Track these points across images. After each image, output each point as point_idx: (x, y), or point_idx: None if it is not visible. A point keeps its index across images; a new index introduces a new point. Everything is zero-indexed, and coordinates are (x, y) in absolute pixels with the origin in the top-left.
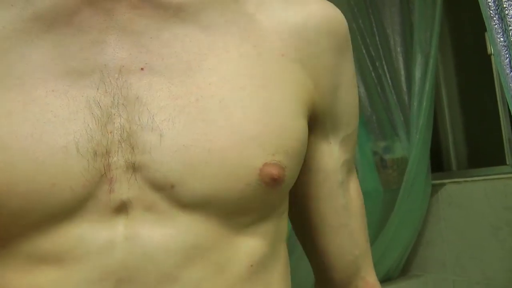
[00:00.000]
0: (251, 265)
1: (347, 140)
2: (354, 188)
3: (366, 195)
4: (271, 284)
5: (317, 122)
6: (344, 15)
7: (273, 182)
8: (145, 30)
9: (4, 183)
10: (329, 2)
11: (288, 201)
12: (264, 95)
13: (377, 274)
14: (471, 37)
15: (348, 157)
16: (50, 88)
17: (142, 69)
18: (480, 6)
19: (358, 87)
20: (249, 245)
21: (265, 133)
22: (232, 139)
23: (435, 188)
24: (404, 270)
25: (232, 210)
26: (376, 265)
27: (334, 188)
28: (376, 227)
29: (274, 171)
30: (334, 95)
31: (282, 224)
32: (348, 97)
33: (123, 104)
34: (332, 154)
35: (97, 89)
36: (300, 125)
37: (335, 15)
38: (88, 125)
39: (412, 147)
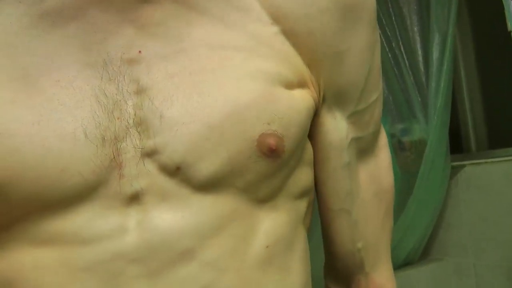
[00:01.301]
0: (267, 247)
1: (359, 116)
2: (366, 173)
3: None
4: (288, 267)
5: (318, 95)
6: None
7: (271, 153)
8: (141, 15)
9: (13, 169)
10: None
11: (308, 183)
12: (251, 64)
13: (397, 259)
14: (490, 14)
15: (361, 135)
16: (55, 78)
17: (139, 52)
18: None
19: None
20: (265, 226)
21: (257, 102)
22: (227, 111)
23: (454, 170)
24: (424, 254)
25: (240, 186)
26: (395, 249)
27: (337, 169)
28: (395, 211)
29: (271, 141)
30: (337, 62)
31: (301, 206)
32: (358, 66)
33: (127, 90)
34: (337, 131)
35: (101, 78)
36: (293, 94)
37: None
38: (95, 112)
39: (431, 129)
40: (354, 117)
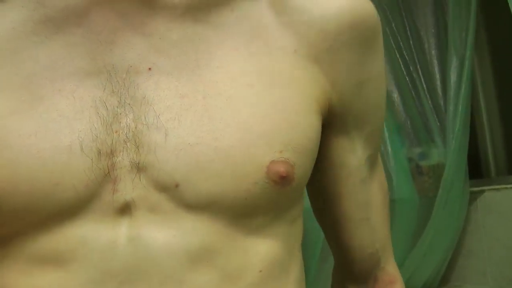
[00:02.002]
0: (260, 271)
1: (372, 135)
2: (376, 182)
3: (401, 202)
4: None
5: (336, 119)
6: None
7: (281, 180)
8: (154, 31)
9: (7, 181)
10: None
11: (301, 207)
12: (273, 92)
13: (415, 285)
14: (508, 37)
15: (372, 152)
16: (57, 87)
17: (149, 69)
18: (509, 5)
19: (392, 92)
20: (259, 250)
21: (272, 131)
22: (238, 137)
23: (474, 196)
24: (443, 280)
25: (240, 211)
26: (413, 275)
27: (356, 184)
28: (413, 236)
29: (281, 168)
30: (357, 91)
31: (295, 228)
32: (375, 93)
33: (129, 104)
34: (355, 151)
35: (104, 89)
36: (310, 123)
37: (361, 6)
38: (93, 124)
39: (449, 153)
40: (369, 136)
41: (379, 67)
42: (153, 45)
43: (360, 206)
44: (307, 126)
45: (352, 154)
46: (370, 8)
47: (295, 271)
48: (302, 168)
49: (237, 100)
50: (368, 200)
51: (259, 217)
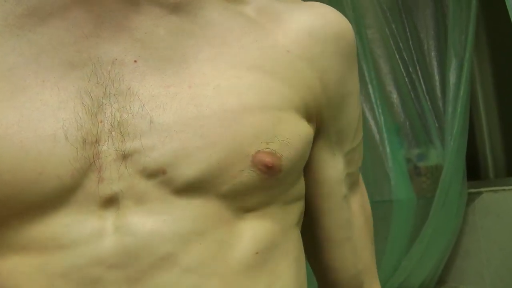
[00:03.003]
0: (256, 253)
1: (352, 154)
2: (357, 201)
3: (399, 203)
4: (280, 272)
5: (321, 130)
6: (377, 20)
7: (268, 170)
8: (140, 25)
9: None
10: (334, 9)
11: (300, 190)
12: (263, 86)
13: (411, 286)
14: (508, 39)
15: (353, 171)
16: (41, 78)
17: (135, 61)
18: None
19: (391, 93)
20: (254, 232)
21: (260, 123)
22: (224, 124)
23: (471, 197)
24: (440, 281)
25: (229, 194)
26: (410, 276)
27: (338, 201)
28: (410, 237)
29: (267, 158)
30: (341, 104)
31: (292, 210)
32: (354, 110)
33: (114, 94)
34: (336, 167)
35: (89, 80)
36: (300, 122)
37: (343, 21)
38: (78, 114)
39: (447, 154)
40: (349, 155)
41: (356, 86)
42: (139, 39)
43: (342, 225)
44: (295, 124)
45: (334, 170)
46: (351, 27)
47: (293, 253)
48: (290, 160)
49: (224, 89)
50: (349, 218)
51: (249, 201)
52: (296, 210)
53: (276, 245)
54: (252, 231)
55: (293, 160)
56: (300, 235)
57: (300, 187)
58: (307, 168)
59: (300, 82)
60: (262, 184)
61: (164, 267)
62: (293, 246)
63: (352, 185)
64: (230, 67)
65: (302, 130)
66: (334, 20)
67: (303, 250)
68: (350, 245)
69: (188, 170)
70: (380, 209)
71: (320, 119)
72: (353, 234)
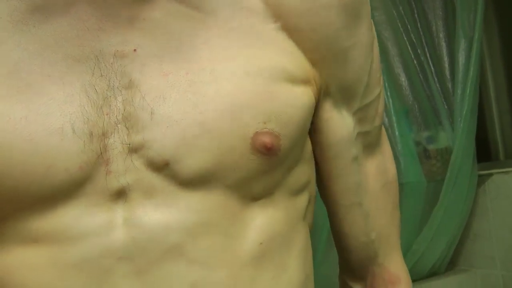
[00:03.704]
0: (260, 243)
1: (364, 111)
2: (374, 165)
3: (409, 186)
4: (284, 263)
5: (325, 89)
6: (383, 2)
7: (267, 151)
8: (138, 13)
9: None
10: None
11: (307, 178)
12: (254, 64)
13: (422, 269)
14: None
15: (367, 129)
16: (46, 73)
17: (134, 50)
18: None
19: (399, 75)
20: (258, 222)
21: (255, 102)
22: (222, 109)
23: (482, 179)
24: (450, 264)
25: (232, 183)
26: (420, 259)
27: (347, 164)
28: (420, 220)
29: (266, 139)
30: (342, 59)
31: (299, 201)
32: (363, 62)
33: (118, 87)
34: (345, 126)
35: (93, 74)
36: (293, 92)
37: None
38: (84, 107)
39: (457, 137)
40: (360, 112)
41: (366, 36)
42: (138, 27)
43: (351, 189)
44: (290, 95)
45: (341, 130)
46: None
47: (299, 245)
48: (288, 138)
49: (219, 73)
50: (359, 182)
51: (253, 187)
52: (301, 202)
53: (280, 235)
54: (257, 221)
55: (292, 137)
56: (308, 230)
57: (304, 174)
58: (315, 130)
59: (290, 51)
60: (263, 167)
61: (171, 258)
62: (299, 238)
63: (367, 146)
64: (223, 49)
65: (300, 99)
66: None
67: (310, 244)
68: (360, 211)
69: (191, 161)
70: None
71: (319, 78)
72: (364, 200)
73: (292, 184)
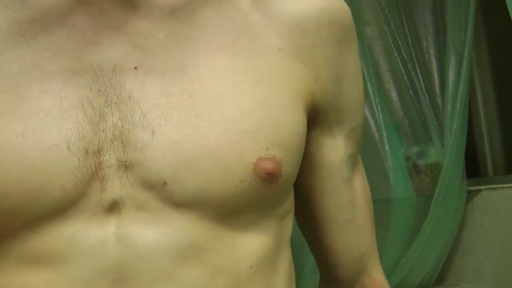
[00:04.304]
0: (250, 266)
1: (353, 134)
2: (359, 182)
3: (398, 201)
4: (272, 285)
5: (319, 116)
6: (375, 17)
7: (269, 177)
8: (140, 30)
9: None
10: None
11: (292, 201)
12: (259, 90)
13: (411, 283)
14: (508, 36)
15: (354, 151)
16: (44, 88)
17: (135, 68)
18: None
19: (390, 90)
20: (249, 246)
21: (259, 128)
22: (225, 134)
23: (471, 195)
24: (439, 279)
25: (228, 208)
26: (409, 274)
27: (339, 183)
28: (409, 234)
29: (268, 165)
30: (337, 86)
31: (285, 225)
32: (353, 88)
33: (115, 103)
34: (337, 148)
35: (90, 88)
36: (296, 119)
37: (337, 4)
38: (80, 123)
39: (446, 152)
40: (350, 135)
41: (356, 64)
42: (139, 44)
43: (344, 207)
44: (293, 123)
45: (334, 152)
46: (346, 8)
47: (285, 266)
48: (289, 165)
49: (223, 98)
50: (351, 200)
51: (247, 214)
52: (288, 224)
53: (269, 259)
54: (246, 245)
55: (293, 164)
56: (290, 250)
57: (291, 197)
58: (305, 152)
59: (292, 77)
60: (262, 193)
61: (163, 283)
62: (285, 260)
63: (353, 166)
64: (227, 73)
65: (300, 126)
66: (327, 6)
67: (293, 267)
68: (352, 227)
69: (189, 182)
70: (380, 207)
71: (316, 106)
72: (355, 216)
73: (283, 209)
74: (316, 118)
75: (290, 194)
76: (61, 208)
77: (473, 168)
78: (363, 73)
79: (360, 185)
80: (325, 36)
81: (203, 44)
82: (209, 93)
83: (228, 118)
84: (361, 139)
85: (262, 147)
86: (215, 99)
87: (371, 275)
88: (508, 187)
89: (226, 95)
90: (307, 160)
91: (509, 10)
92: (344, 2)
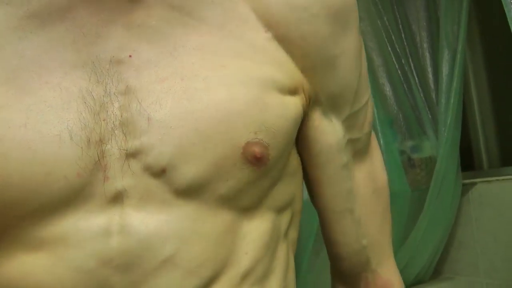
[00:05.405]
0: (246, 253)
1: (354, 118)
2: (364, 171)
3: (393, 195)
4: (268, 274)
5: (313, 97)
6: (368, 12)
7: (256, 161)
8: (134, 19)
9: None
10: None
11: (290, 197)
12: (245, 73)
13: (407, 277)
14: (501, 30)
15: (357, 136)
16: (44, 80)
17: (130, 56)
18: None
19: (384, 85)
20: (245, 232)
21: (247, 111)
22: (217, 117)
23: (466, 188)
24: (435, 272)
25: (225, 193)
26: (405, 268)
27: (337, 170)
28: (405, 228)
29: (256, 149)
30: (330, 66)
31: (282, 219)
32: (351, 70)
33: (114, 93)
34: (334, 134)
35: (89, 79)
36: (284, 102)
37: None
38: (81, 113)
39: (441, 146)
40: (350, 119)
41: (354, 44)
42: (133, 33)
43: (342, 195)
44: (280, 105)
45: (331, 137)
46: None
47: (281, 260)
48: (277, 149)
49: (212, 80)
50: (351, 189)
51: (243, 198)
52: (285, 220)
53: (265, 247)
54: (243, 232)
55: (280, 148)
56: (288, 248)
57: (288, 189)
58: (303, 137)
59: (281, 60)
60: (252, 177)
61: (166, 269)
62: (281, 253)
63: (357, 153)
64: (216, 57)
65: (289, 109)
66: None
67: (293, 262)
68: (351, 217)
69: (186, 170)
70: None
71: (309, 86)
72: (355, 206)
73: (277, 200)
74: (311, 100)
75: (284, 184)
76: (64, 198)
77: (468, 161)
78: None
79: (364, 174)
80: (315, 12)
81: (193, 28)
82: (199, 76)
83: (218, 101)
84: (370, 122)
85: (251, 130)
86: (205, 82)
87: (376, 271)
88: (503, 179)
89: (215, 78)
90: (307, 147)
91: (503, 3)
92: None
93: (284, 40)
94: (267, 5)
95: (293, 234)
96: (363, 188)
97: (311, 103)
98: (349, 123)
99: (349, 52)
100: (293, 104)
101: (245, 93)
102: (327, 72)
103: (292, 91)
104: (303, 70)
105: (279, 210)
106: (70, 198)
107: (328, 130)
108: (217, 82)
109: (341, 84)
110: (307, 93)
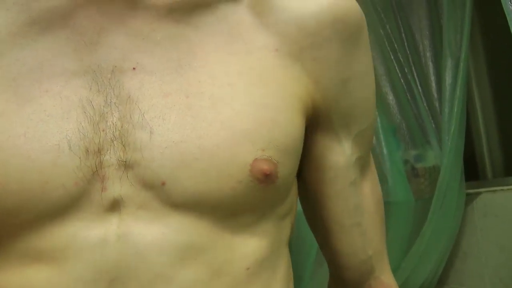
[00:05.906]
0: (248, 268)
1: (361, 136)
2: (368, 185)
3: (397, 205)
4: (270, 287)
5: (321, 118)
6: (371, 21)
7: (265, 178)
8: (138, 31)
9: None
10: None
11: (291, 204)
12: (254, 91)
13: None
14: (504, 38)
15: (362, 154)
16: (44, 88)
17: (134, 68)
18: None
19: (387, 94)
20: (246, 247)
21: (254, 129)
22: (222, 135)
23: (470, 198)
24: (440, 283)
25: (226, 209)
26: (409, 278)
27: (345, 187)
28: (408, 238)
29: (265, 166)
30: (342, 89)
31: (283, 228)
32: (362, 90)
33: (115, 103)
34: (343, 152)
35: (90, 89)
36: (293, 121)
37: (343, 2)
38: (81, 123)
39: (444, 155)
40: (358, 137)
41: (365, 64)
42: (137, 45)
43: (350, 210)
44: (289, 124)
45: (340, 155)
46: (352, 4)
47: (282, 269)
48: (285, 166)
49: (219, 98)
50: (358, 204)
51: (245, 215)
52: (287, 226)
53: (266, 261)
54: (244, 247)
55: (288, 166)
56: (288, 254)
57: (292, 198)
58: (309, 155)
59: (289, 78)
60: (259, 194)
61: (162, 282)
62: (283, 262)
63: (362, 169)
64: (223, 75)
65: (296, 128)
66: (330, 3)
67: (291, 270)
68: (359, 230)
69: (187, 183)
70: None
71: (318, 108)
72: (363, 220)
73: (280, 211)
74: (319, 120)
75: (288, 196)
76: (62, 207)
77: (472, 170)
78: None
79: (369, 189)
80: (327, 35)
81: (199, 44)
82: (205, 94)
83: (224, 119)
84: (371, 141)
85: (258, 148)
86: (211, 100)
87: (379, 277)
88: (508, 189)
89: (221, 96)
90: (313, 163)
91: (505, 11)
92: (353, 1)
93: (297, 61)
94: (276, 23)
95: (289, 234)
96: (368, 201)
97: (319, 121)
98: (357, 140)
99: (360, 72)
100: (300, 123)
101: (252, 111)
102: (340, 94)
103: (299, 110)
104: (314, 89)
105: (282, 218)
106: (68, 208)
107: (338, 149)
108: (224, 100)
109: (353, 104)
110: (316, 111)
